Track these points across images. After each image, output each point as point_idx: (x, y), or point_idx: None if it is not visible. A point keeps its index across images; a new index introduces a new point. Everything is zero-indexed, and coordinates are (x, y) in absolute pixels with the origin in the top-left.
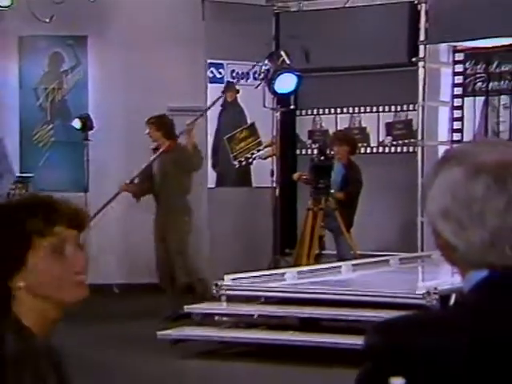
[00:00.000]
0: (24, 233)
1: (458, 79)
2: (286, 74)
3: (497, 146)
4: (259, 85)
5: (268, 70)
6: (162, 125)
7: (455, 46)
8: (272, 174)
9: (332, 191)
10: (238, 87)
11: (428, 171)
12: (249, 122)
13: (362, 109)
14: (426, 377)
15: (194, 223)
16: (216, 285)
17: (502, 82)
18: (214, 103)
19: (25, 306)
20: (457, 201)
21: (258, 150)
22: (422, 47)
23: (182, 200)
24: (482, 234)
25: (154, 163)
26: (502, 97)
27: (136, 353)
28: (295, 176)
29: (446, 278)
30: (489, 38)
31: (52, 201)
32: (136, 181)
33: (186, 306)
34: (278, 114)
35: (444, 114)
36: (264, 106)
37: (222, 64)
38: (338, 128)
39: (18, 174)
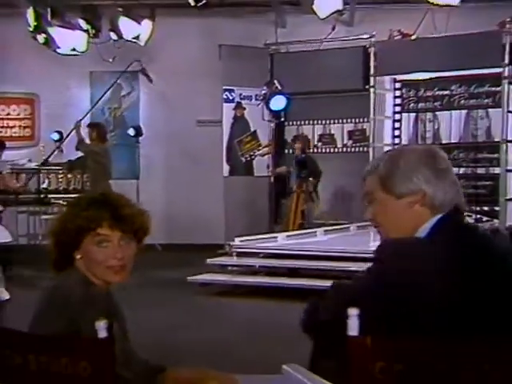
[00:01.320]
0: (78, 226)
1: (398, 101)
2: (279, 96)
3: (422, 146)
4: (259, 104)
5: (266, 94)
6: (97, 128)
7: (395, 78)
8: (268, 167)
9: (310, 178)
10: (244, 106)
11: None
12: (252, 129)
13: (332, 121)
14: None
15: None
16: (229, 244)
17: (428, 104)
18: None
19: (86, 269)
20: (428, 165)
21: (259, 150)
22: (372, 78)
23: (93, 184)
24: (444, 186)
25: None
26: (428, 114)
27: (172, 292)
28: (279, 170)
29: None
30: (418, 72)
31: (110, 207)
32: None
33: (208, 259)
34: (272, 124)
35: (388, 125)
36: (263, 119)
37: (233, 89)
38: (315, 135)
39: None
